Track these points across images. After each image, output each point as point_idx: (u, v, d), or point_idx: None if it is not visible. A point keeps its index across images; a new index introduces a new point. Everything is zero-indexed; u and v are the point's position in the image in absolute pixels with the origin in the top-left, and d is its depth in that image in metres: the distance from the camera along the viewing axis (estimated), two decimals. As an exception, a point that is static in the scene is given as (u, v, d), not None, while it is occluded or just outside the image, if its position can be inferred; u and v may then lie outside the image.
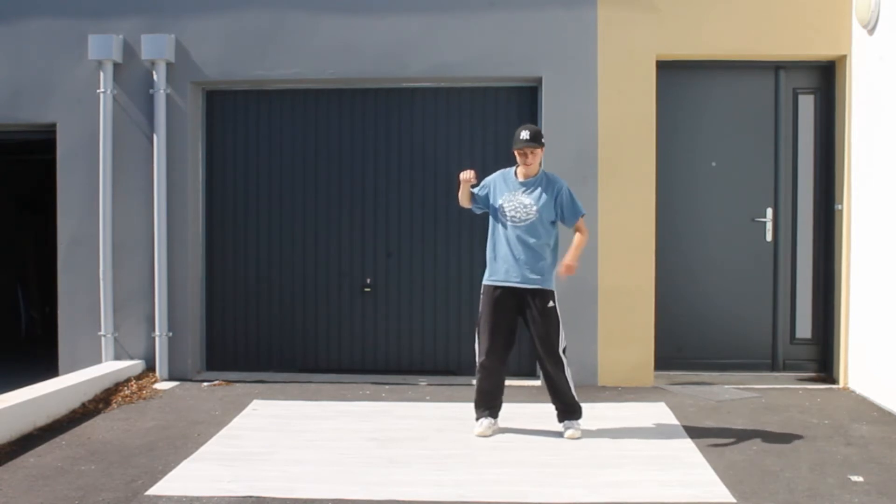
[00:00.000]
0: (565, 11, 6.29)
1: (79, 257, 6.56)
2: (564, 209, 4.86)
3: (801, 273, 6.56)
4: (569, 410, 4.90)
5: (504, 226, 4.85)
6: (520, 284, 4.80)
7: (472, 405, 5.03)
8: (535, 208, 4.80)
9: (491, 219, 4.95)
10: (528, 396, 5.90)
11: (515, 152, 4.83)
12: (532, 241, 4.79)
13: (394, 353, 6.68)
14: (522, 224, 4.80)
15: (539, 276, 4.80)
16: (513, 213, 4.82)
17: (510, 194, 4.85)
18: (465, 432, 4.94)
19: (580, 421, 4.92)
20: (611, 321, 6.27)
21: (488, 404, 4.93)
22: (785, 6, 6.20)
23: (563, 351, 4.85)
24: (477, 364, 4.92)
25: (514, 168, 4.95)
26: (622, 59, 6.25)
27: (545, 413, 5.42)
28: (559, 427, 4.92)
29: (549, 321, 4.81)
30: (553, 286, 4.87)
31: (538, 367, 5.06)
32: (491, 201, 4.92)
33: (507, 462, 4.41)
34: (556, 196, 4.84)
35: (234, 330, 6.78)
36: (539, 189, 4.84)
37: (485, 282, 4.92)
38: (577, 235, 4.92)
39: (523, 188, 4.84)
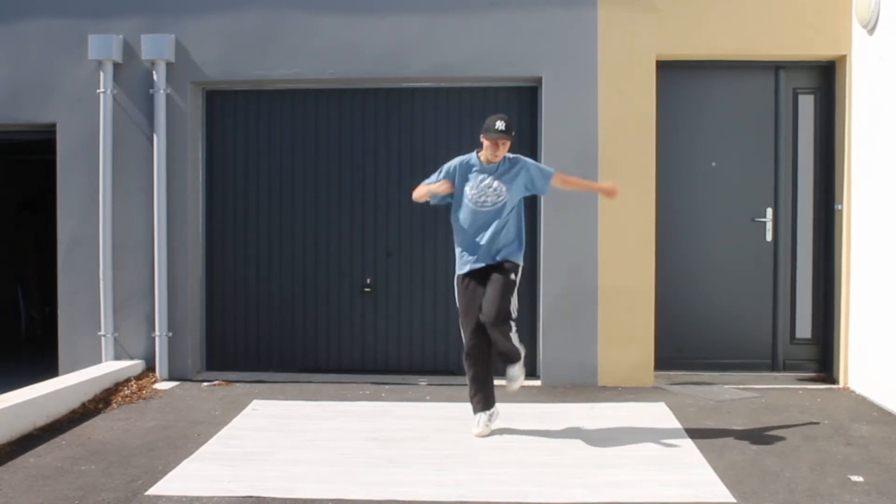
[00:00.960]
0: (565, 11, 6.29)
1: (79, 257, 6.56)
2: (536, 180, 4.89)
3: (801, 273, 6.56)
4: (509, 359, 4.75)
5: (468, 213, 4.82)
6: (493, 262, 4.80)
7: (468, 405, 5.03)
8: (504, 189, 4.80)
9: (454, 211, 4.91)
10: (528, 396, 5.90)
11: (486, 140, 4.77)
12: (497, 222, 4.79)
13: (394, 353, 6.69)
14: (491, 208, 4.79)
15: (505, 251, 4.80)
16: (481, 198, 4.80)
17: (474, 181, 4.83)
18: (465, 432, 4.94)
19: (519, 365, 4.75)
20: (611, 321, 6.27)
21: (481, 393, 4.89)
22: (785, 6, 6.20)
23: (513, 319, 4.76)
24: (463, 355, 4.92)
25: (473, 154, 4.91)
26: (622, 59, 6.25)
27: (545, 413, 5.43)
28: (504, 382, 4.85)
29: (503, 281, 4.72)
30: (520, 260, 4.86)
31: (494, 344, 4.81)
32: (454, 190, 4.87)
33: (507, 462, 4.41)
34: (523, 171, 4.85)
35: (234, 330, 6.78)
36: (507, 171, 4.84)
37: (458, 272, 4.91)
38: (575, 181, 5.26)
39: (488, 173, 4.82)
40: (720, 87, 6.54)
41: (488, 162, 4.84)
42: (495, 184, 4.81)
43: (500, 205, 4.80)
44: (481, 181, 4.82)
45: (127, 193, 6.52)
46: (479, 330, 4.79)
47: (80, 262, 6.55)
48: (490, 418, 4.93)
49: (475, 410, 4.95)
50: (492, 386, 4.96)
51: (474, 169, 4.87)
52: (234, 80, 6.57)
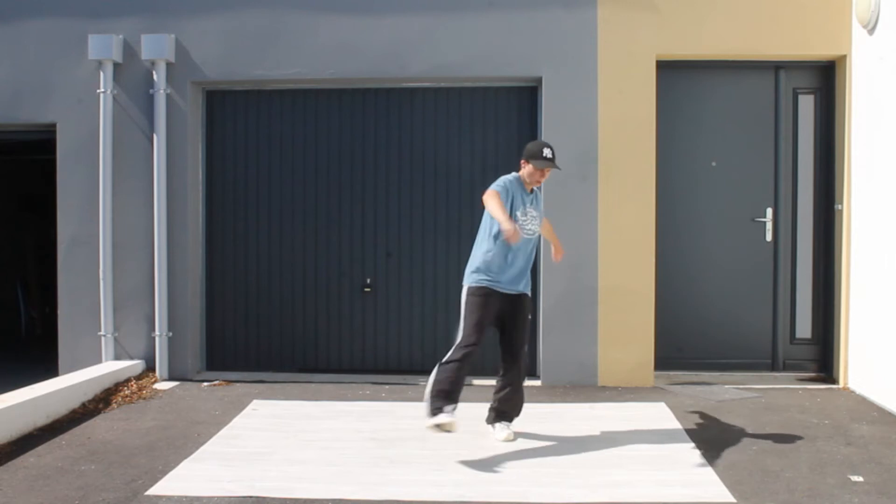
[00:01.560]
0: (565, 11, 6.29)
1: (79, 257, 6.56)
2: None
3: (801, 273, 6.56)
4: (515, 414, 4.86)
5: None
6: (515, 291, 4.74)
7: (473, 405, 5.02)
8: (539, 219, 4.80)
9: (496, 225, 4.60)
10: (528, 396, 5.84)
11: (533, 168, 4.64)
12: (531, 251, 4.78)
13: (394, 353, 6.69)
14: (532, 236, 4.75)
15: (527, 282, 4.80)
16: (528, 225, 4.70)
17: (524, 207, 4.70)
18: (464, 432, 4.90)
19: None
20: (611, 321, 6.27)
21: (456, 394, 4.62)
22: (785, 6, 6.20)
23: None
24: (459, 354, 4.56)
25: (518, 176, 4.72)
26: (622, 59, 6.25)
27: (545, 413, 5.43)
28: (490, 429, 4.85)
29: (527, 324, 4.83)
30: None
31: (504, 370, 4.80)
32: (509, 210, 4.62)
33: (507, 462, 4.41)
34: (541, 199, 4.87)
35: (234, 330, 6.79)
36: (538, 199, 4.82)
37: (481, 284, 4.66)
38: (548, 228, 5.17)
39: (531, 201, 4.75)
40: (720, 87, 6.54)
41: (530, 190, 4.76)
42: (535, 212, 4.76)
43: (537, 233, 4.80)
44: (529, 209, 4.72)
45: (127, 193, 6.52)
46: (479, 343, 4.66)
47: (80, 262, 6.55)
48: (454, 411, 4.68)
49: (435, 412, 4.49)
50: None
51: (524, 195, 4.71)
52: (234, 80, 6.57)
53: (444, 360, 4.61)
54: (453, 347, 4.64)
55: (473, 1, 6.35)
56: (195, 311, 6.64)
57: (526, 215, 4.70)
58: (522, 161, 4.71)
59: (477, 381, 6.15)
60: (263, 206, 6.74)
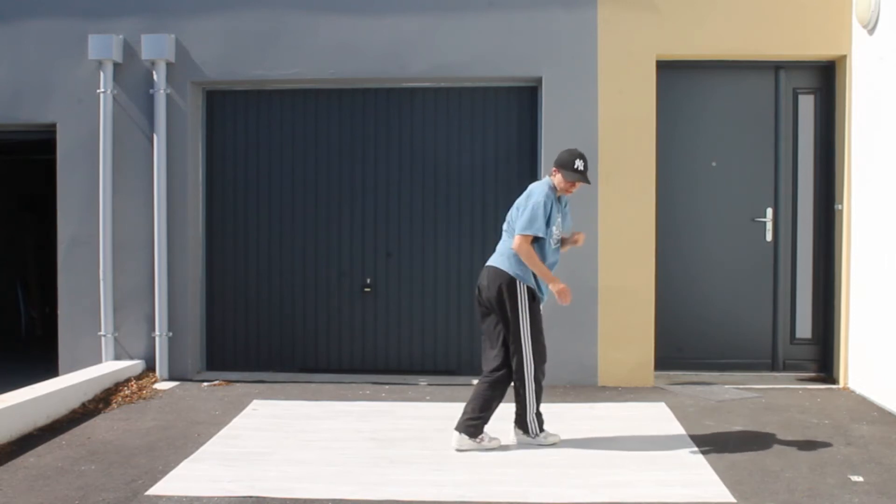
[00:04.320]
0: (565, 11, 6.29)
1: (79, 257, 6.56)
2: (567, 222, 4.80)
3: (801, 273, 6.56)
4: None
5: (552, 251, 4.59)
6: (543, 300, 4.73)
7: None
8: (564, 228, 4.72)
9: (544, 244, 4.54)
10: (528, 396, 5.89)
11: (564, 178, 4.52)
12: (557, 262, 4.70)
13: (394, 352, 6.69)
14: (558, 245, 4.68)
15: None
16: (558, 236, 4.63)
17: (558, 220, 4.60)
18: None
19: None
20: (611, 321, 6.27)
21: None
22: (785, 6, 6.20)
23: None
24: (542, 368, 4.61)
25: (548, 186, 4.56)
26: (622, 59, 6.25)
27: (545, 413, 5.42)
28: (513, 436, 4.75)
29: None
30: None
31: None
32: (547, 225, 4.50)
33: (507, 462, 4.41)
34: (568, 209, 4.78)
35: (234, 330, 6.78)
36: (564, 206, 4.73)
37: (529, 286, 4.54)
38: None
39: (560, 209, 4.64)
40: (720, 87, 6.54)
41: (560, 196, 4.62)
42: (563, 221, 4.68)
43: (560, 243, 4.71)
44: (558, 218, 4.60)
45: (127, 193, 6.52)
46: None
47: (80, 262, 6.55)
48: None
49: (543, 427, 4.72)
50: None
51: (557, 206, 4.57)
52: (234, 80, 6.57)
53: (532, 375, 4.55)
54: (535, 364, 4.55)
55: (473, 1, 6.35)
56: (195, 311, 6.64)
57: (558, 227, 4.61)
58: (554, 169, 4.58)
59: (475, 381, 6.15)
60: (263, 206, 6.74)
